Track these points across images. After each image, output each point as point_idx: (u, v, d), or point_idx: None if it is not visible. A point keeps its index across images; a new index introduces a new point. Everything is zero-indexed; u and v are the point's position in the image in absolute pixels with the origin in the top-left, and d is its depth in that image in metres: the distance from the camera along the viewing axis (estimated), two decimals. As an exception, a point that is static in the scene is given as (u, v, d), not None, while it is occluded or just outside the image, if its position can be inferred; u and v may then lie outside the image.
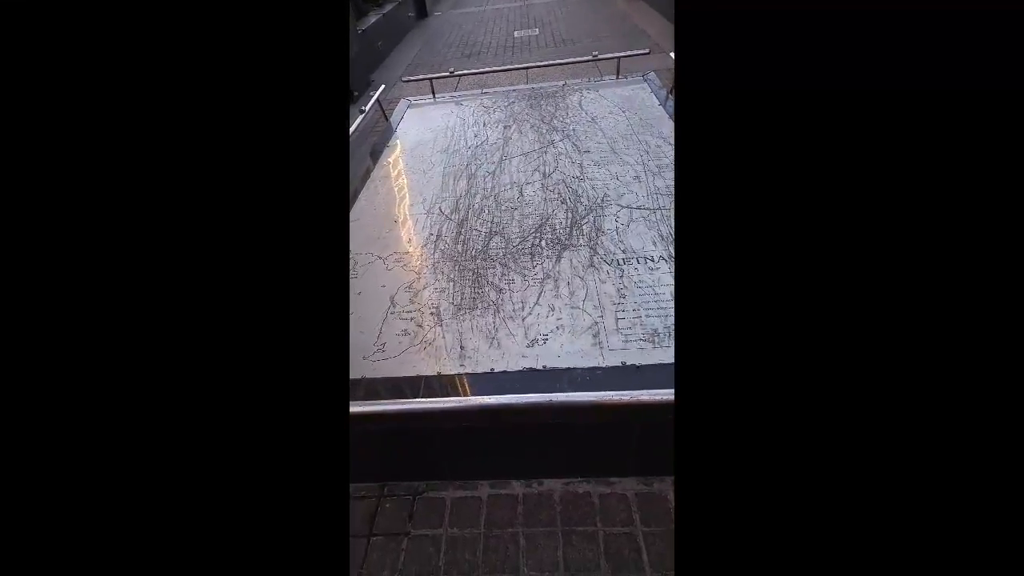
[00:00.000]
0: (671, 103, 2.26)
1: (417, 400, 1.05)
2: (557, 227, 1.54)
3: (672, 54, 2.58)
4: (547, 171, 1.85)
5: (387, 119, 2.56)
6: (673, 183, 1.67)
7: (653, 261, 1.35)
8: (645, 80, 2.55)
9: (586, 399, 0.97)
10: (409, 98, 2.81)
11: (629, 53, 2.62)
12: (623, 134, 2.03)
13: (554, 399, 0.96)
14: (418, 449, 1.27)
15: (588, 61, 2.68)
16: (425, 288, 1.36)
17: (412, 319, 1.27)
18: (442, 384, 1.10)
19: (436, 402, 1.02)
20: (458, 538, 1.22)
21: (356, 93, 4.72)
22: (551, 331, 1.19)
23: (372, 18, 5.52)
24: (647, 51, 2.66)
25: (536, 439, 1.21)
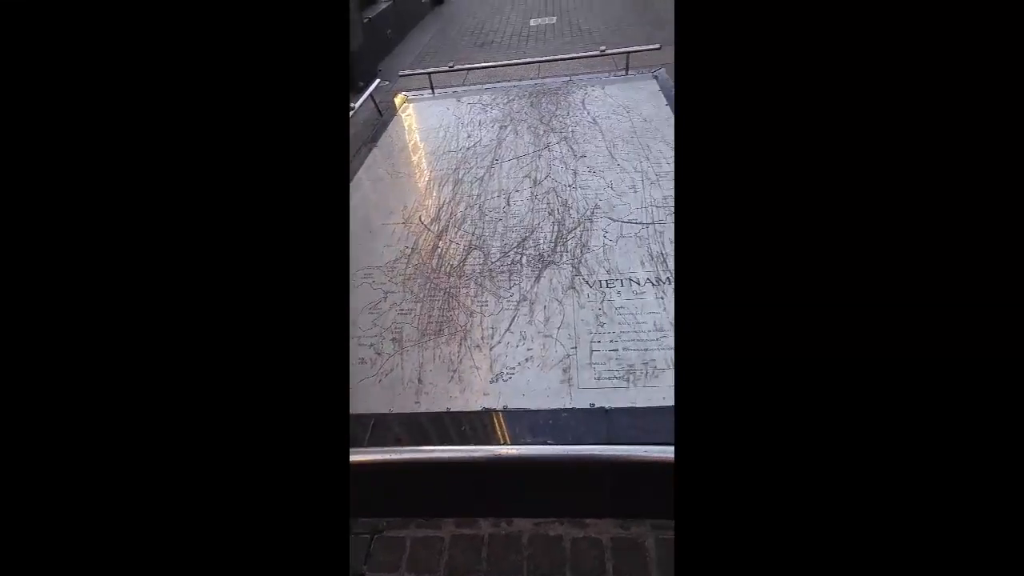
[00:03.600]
0: None
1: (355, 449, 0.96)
2: (541, 242, 1.42)
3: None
4: (538, 177, 1.73)
5: (380, 115, 2.47)
6: (670, 194, 1.53)
7: (639, 284, 1.23)
8: (655, 77, 2.39)
9: (544, 453, 0.87)
10: (407, 93, 2.71)
11: (638, 48, 2.46)
12: (624, 137, 1.89)
13: (503, 452, 0.87)
14: (378, 485, 1.19)
15: (595, 56, 2.52)
16: (391, 309, 1.28)
17: (372, 345, 1.18)
18: (390, 425, 1.01)
19: (376, 452, 0.94)
20: (415, 582, 1.14)
21: (362, 84, 4.64)
22: (519, 364, 1.08)
23: (382, 4, 5.39)
24: (658, 46, 2.49)
25: (505, 478, 1.12)
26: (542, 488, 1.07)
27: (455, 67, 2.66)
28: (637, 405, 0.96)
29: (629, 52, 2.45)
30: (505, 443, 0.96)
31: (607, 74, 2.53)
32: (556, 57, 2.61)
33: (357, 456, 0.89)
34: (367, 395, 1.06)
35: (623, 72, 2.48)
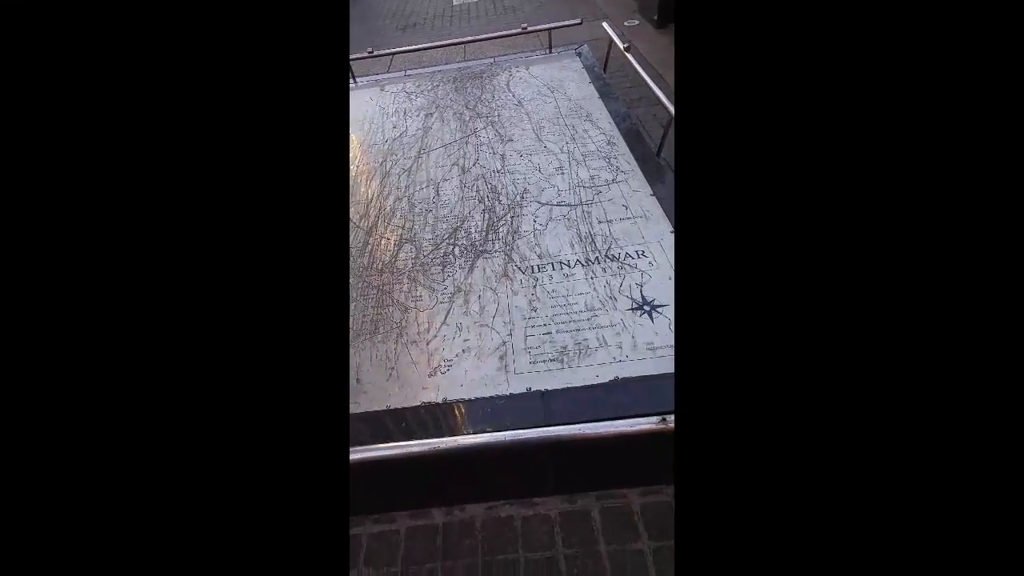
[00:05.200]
0: (601, 79, 2.14)
1: None
2: (473, 231, 1.42)
3: (606, 24, 2.44)
4: (466, 165, 1.71)
5: None
6: (596, 174, 1.57)
7: (568, 266, 1.26)
8: (578, 54, 2.41)
9: (485, 441, 0.89)
10: (328, 83, 2.58)
11: (560, 24, 2.46)
12: (550, 118, 1.90)
13: (443, 444, 0.88)
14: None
15: (517, 34, 2.50)
16: (323, 312, 1.24)
17: (306, 351, 1.15)
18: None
19: None
20: (372, 580, 1.15)
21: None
22: (456, 355, 1.09)
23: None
24: (579, 21, 2.50)
25: (452, 469, 1.13)
26: (490, 474, 1.10)
27: (375, 53, 2.56)
28: (572, 385, 1.00)
29: (551, 28, 2.45)
30: (447, 435, 0.97)
31: (531, 53, 2.52)
32: (477, 38, 2.57)
33: None
34: None
35: (546, 50, 2.48)
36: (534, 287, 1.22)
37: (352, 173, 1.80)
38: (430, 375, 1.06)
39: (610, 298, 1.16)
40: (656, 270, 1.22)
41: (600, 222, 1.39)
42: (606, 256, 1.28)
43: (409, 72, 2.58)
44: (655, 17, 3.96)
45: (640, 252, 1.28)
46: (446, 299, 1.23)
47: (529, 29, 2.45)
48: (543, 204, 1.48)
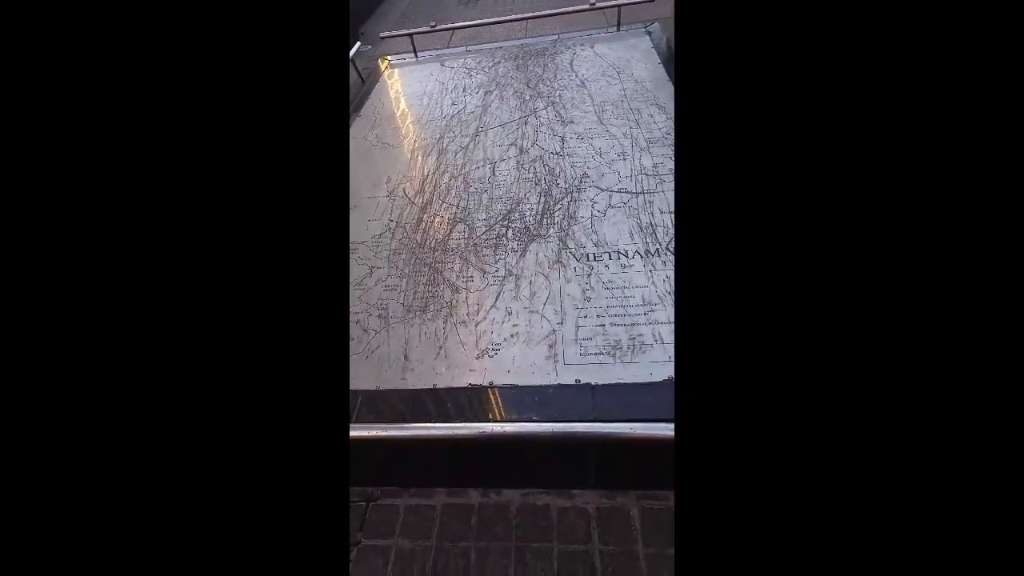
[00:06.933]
0: (672, 61, 2.02)
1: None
2: (527, 214, 1.39)
3: None
4: (525, 146, 1.67)
5: (363, 81, 2.36)
6: (660, 162, 1.49)
7: (627, 257, 1.21)
8: (648, 32, 2.28)
9: (527, 430, 0.88)
10: (390, 57, 2.59)
11: (630, 0, 2.34)
12: (614, 100, 1.82)
13: (485, 430, 0.87)
14: (373, 456, 1.21)
15: (585, 10, 2.39)
16: (376, 285, 1.26)
17: (358, 322, 1.17)
18: (377, 402, 1.02)
19: (367, 428, 0.94)
20: (408, 551, 1.18)
21: (345, 47, 4.41)
22: (505, 340, 1.08)
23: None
24: (652, -2, 2.37)
25: (493, 453, 1.13)
26: (530, 462, 1.09)
27: (437, 27, 2.53)
28: (623, 381, 0.96)
29: (620, 5, 2.33)
30: (492, 420, 0.96)
31: (598, 31, 2.42)
32: (543, 13, 2.48)
33: (353, 432, 0.90)
34: (355, 371, 1.06)
35: (614, 28, 2.37)
36: (588, 276, 1.18)
37: (408, 148, 1.80)
38: (478, 357, 1.05)
39: (669, 294, 1.11)
40: None
41: (662, 213, 1.32)
42: (667, 249, 1.21)
43: (470, 48, 2.54)
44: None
45: None
46: (496, 282, 1.21)
47: (597, 5, 2.35)
48: (602, 190, 1.42)
